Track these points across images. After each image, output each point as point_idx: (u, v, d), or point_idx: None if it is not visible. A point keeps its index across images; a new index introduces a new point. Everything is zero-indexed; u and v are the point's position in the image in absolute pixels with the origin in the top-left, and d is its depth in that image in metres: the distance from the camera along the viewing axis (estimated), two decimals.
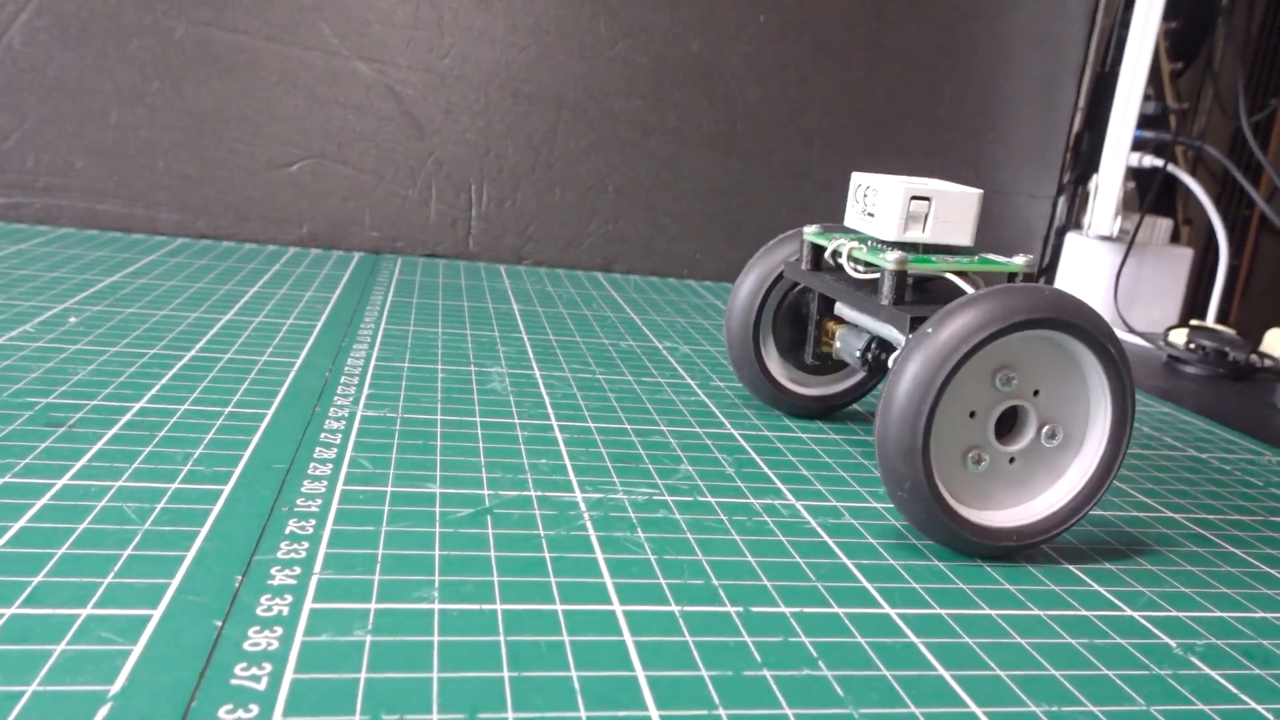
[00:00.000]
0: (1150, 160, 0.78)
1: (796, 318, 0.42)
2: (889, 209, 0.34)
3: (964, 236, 0.34)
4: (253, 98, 0.69)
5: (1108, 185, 0.75)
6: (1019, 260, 0.34)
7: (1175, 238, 0.85)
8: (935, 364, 0.28)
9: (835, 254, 0.36)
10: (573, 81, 0.73)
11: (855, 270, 0.36)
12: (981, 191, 0.35)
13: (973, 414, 0.30)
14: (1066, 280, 0.79)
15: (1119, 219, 0.75)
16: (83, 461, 0.29)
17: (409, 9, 0.70)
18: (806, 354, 0.41)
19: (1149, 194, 0.79)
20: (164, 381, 0.37)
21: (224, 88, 0.69)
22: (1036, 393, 0.30)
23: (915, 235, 0.34)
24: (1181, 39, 0.86)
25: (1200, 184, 0.80)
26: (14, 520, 0.25)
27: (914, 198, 0.33)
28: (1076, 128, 0.85)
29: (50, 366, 0.37)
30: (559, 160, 0.74)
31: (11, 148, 0.67)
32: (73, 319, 0.44)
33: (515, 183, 0.74)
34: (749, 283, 0.42)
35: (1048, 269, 0.85)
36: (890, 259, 0.33)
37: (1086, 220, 0.78)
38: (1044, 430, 0.30)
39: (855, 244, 0.36)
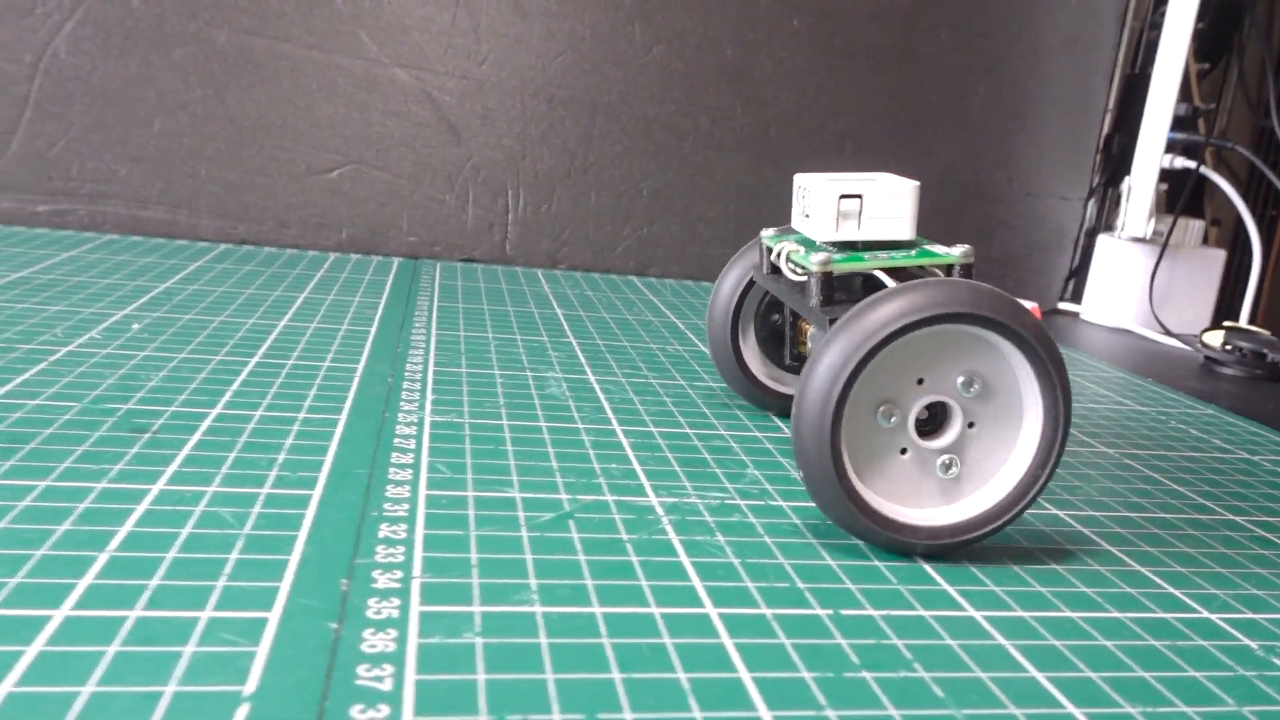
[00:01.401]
0: (1181, 162, 0.78)
1: (775, 318, 0.42)
2: (821, 209, 0.33)
3: (903, 230, 0.34)
4: (293, 105, 0.70)
5: (1141, 187, 0.76)
6: (956, 251, 0.33)
7: (1204, 239, 0.85)
8: (838, 365, 0.27)
9: (778, 257, 0.36)
10: (607, 87, 0.74)
11: (793, 272, 0.36)
12: (918, 183, 0.34)
13: (891, 414, 0.29)
14: (1100, 282, 0.80)
15: (1153, 221, 0.76)
16: (173, 467, 0.29)
17: (446, 16, 0.71)
18: (785, 354, 0.41)
19: (1182, 195, 0.79)
20: (235, 388, 0.37)
21: (265, 95, 0.69)
22: (962, 386, 0.29)
23: (849, 233, 0.33)
24: (1208, 39, 0.86)
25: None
26: (119, 524, 0.25)
27: (843, 196, 0.33)
28: (1106, 130, 0.86)
29: (123, 373, 0.38)
30: (594, 165, 0.75)
31: (57, 155, 0.67)
32: (136, 325, 0.45)
33: (551, 188, 0.74)
34: (728, 283, 0.42)
35: (1078, 271, 0.85)
36: (814, 261, 0.32)
37: (1119, 222, 0.79)
38: (971, 427, 0.30)
39: (794, 246, 0.35)
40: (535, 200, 0.74)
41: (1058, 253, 0.84)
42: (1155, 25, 0.85)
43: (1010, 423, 0.30)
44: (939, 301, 0.28)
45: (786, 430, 0.40)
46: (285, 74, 0.69)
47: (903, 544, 0.29)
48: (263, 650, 0.20)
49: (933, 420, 0.30)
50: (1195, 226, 0.80)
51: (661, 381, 0.46)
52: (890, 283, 0.31)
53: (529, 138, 0.74)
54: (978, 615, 0.26)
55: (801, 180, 0.35)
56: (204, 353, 0.42)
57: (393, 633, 0.22)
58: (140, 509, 0.26)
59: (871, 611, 0.25)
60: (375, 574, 0.24)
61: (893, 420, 0.29)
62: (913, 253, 0.34)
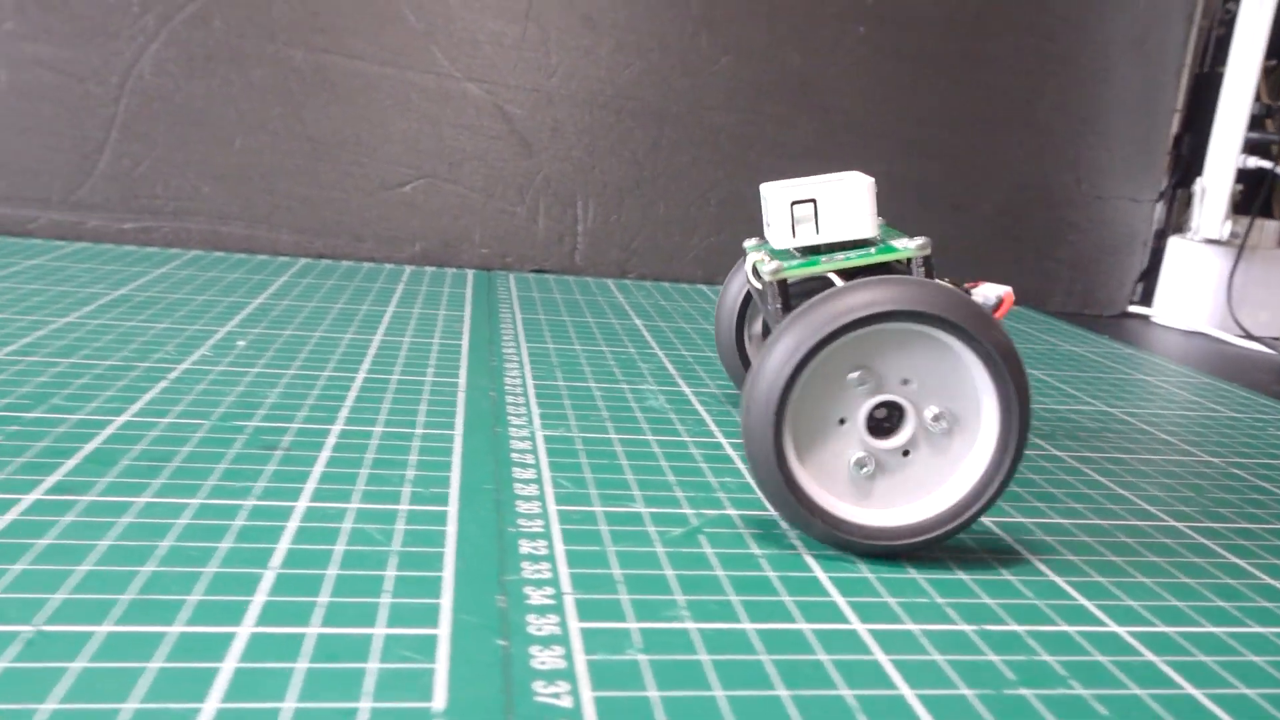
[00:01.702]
0: (1255, 161, 0.77)
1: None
2: (777, 217, 0.33)
3: (862, 229, 0.33)
4: (368, 121, 0.71)
5: (1217, 188, 0.75)
6: (913, 244, 0.32)
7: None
8: (777, 367, 0.28)
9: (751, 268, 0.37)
10: (675, 97, 0.74)
11: (758, 281, 0.36)
12: (872, 179, 0.33)
13: (842, 415, 0.29)
14: (1172, 285, 0.79)
15: (1229, 222, 0.75)
16: (311, 484, 0.30)
17: (517, 30, 0.72)
18: None
19: (1259, 195, 0.78)
20: (349, 404, 0.38)
21: (341, 112, 0.71)
22: (914, 387, 0.29)
23: (807, 238, 0.33)
24: (1273, 35, 0.85)
25: None
26: (275, 542, 0.26)
27: (795, 202, 0.33)
28: (1175, 130, 0.85)
29: (241, 390, 0.39)
30: (662, 175, 0.75)
31: (143, 174, 0.69)
32: (241, 342, 0.46)
33: (619, 198, 0.75)
34: (732, 289, 0.43)
35: (1148, 274, 0.84)
36: (766, 270, 0.32)
37: (1192, 224, 0.78)
38: (926, 426, 0.29)
39: (760, 256, 0.35)
40: (604, 211, 0.75)
41: (1128, 255, 0.84)
42: (1224, 23, 0.84)
43: (965, 425, 0.29)
44: (877, 301, 0.27)
45: None
46: (360, 91, 0.71)
47: (845, 542, 0.29)
48: (441, 667, 0.21)
49: (889, 420, 0.30)
50: (1270, 227, 0.79)
51: None
52: (839, 284, 0.31)
53: (598, 149, 0.74)
54: (1121, 631, 0.26)
55: (764, 190, 0.35)
56: (311, 368, 0.43)
57: (558, 650, 0.22)
58: (291, 526, 0.27)
59: (1015, 627, 0.25)
60: (528, 590, 0.25)
61: (844, 420, 0.29)
62: (872, 250, 0.33)
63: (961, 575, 0.28)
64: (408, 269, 0.71)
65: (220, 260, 0.67)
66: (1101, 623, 0.26)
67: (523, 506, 0.30)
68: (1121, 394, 0.53)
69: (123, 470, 0.30)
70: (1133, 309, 0.84)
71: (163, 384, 0.39)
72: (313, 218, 0.72)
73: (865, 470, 0.29)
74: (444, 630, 0.23)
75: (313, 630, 0.22)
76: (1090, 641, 0.25)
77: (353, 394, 0.40)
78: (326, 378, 0.42)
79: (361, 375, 0.42)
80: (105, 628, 0.21)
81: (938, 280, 0.30)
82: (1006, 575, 0.29)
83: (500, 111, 0.73)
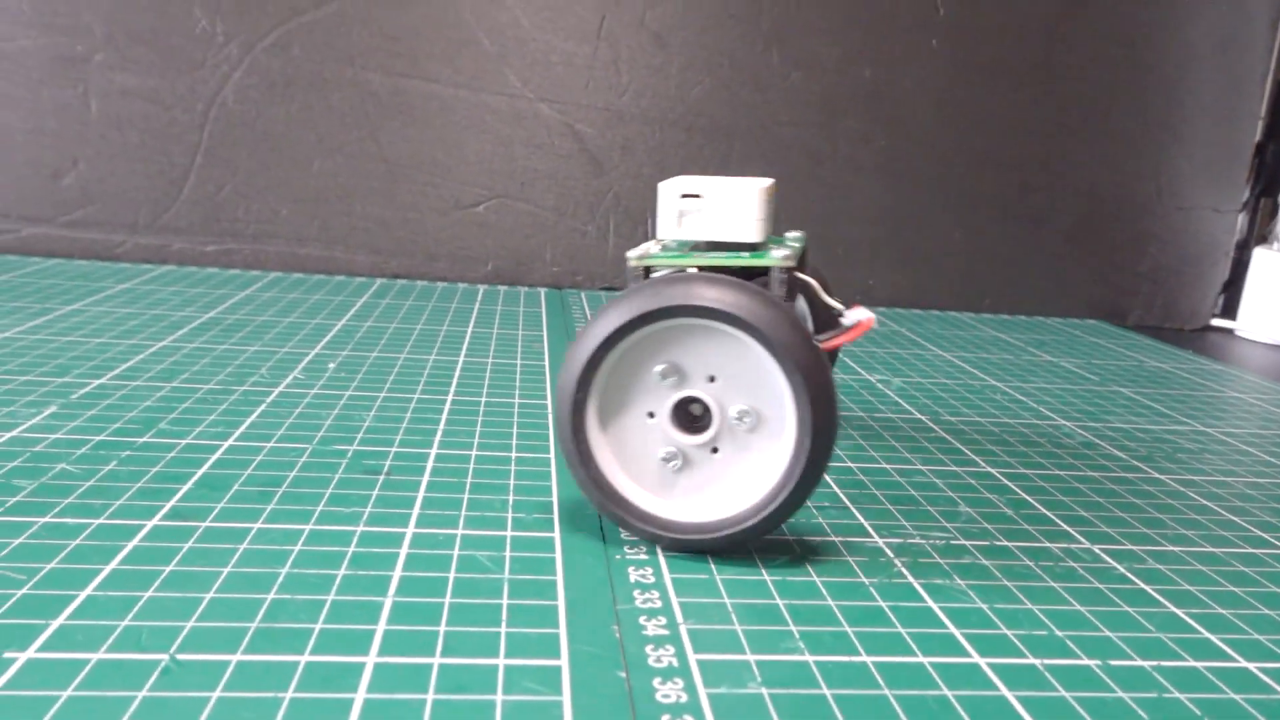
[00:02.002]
0: None
1: None
2: (664, 208, 0.33)
3: (748, 232, 0.32)
4: (442, 142, 0.72)
5: None
6: (777, 256, 0.32)
7: None
8: (579, 354, 0.29)
9: None
10: (745, 113, 0.74)
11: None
12: (769, 183, 0.33)
13: (650, 414, 0.29)
14: (1257, 297, 0.76)
15: None
16: (416, 510, 0.30)
17: (588, 50, 0.72)
18: None
19: None
20: (443, 426, 0.39)
21: (416, 134, 0.72)
22: (713, 380, 0.29)
23: (691, 232, 0.33)
24: None
25: None
26: (390, 569, 0.26)
27: (683, 195, 0.32)
28: (1258, 137, 0.82)
29: (337, 413, 0.39)
30: None
31: (225, 198, 0.71)
32: (331, 365, 0.47)
33: None
34: None
35: (1230, 285, 0.82)
36: (632, 254, 0.32)
37: (1278, 233, 0.75)
38: (730, 424, 0.29)
39: (651, 247, 0.34)
40: None
41: (1210, 267, 0.81)
42: None
43: (769, 424, 0.29)
44: (679, 295, 0.28)
45: (984, 464, 0.40)
46: (435, 113, 0.72)
47: (654, 536, 0.29)
48: (566, 700, 0.21)
49: (700, 417, 0.30)
50: None
51: (842, 414, 0.45)
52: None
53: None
54: (1251, 667, 0.25)
55: (660, 186, 0.34)
56: (402, 390, 0.43)
57: (679, 682, 0.22)
58: (402, 553, 0.27)
59: (1141, 662, 0.25)
60: (642, 620, 0.25)
61: (653, 415, 0.29)
62: (741, 254, 0.32)
63: (1079, 606, 0.28)
64: (481, 288, 0.71)
65: (299, 282, 0.68)
66: (1230, 657, 0.25)
67: (626, 532, 0.30)
68: (1216, 412, 0.52)
69: (234, 496, 0.30)
70: (1216, 322, 0.82)
71: (262, 407, 0.39)
72: (388, 238, 0.73)
73: (673, 465, 0.29)
74: (564, 661, 0.23)
75: (437, 660, 0.22)
76: (1221, 678, 0.24)
77: (445, 416, 0.40)
78: (418, 400, 0.42)
79: (451, 397, 0.43)
80: (238, 656, 0.22)
81: (805, 283, 0.33)
82: (1124, 607, 0.28)
83: (571, 131, 0.73)
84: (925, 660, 0.24)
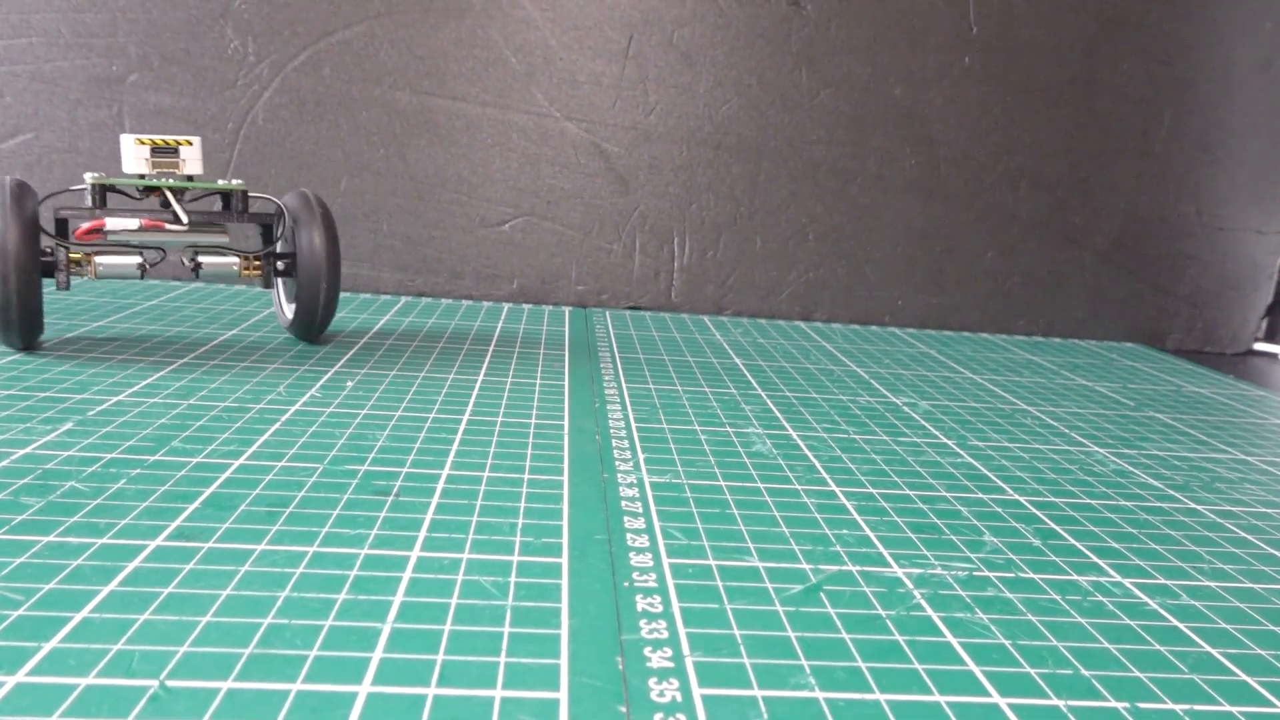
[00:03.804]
0: None
1: None
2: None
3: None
4: (468, 161, 0.72)
5: None
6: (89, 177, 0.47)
7: None
8: None
9: None
10: (773, 132, 0.74)
11: None
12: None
13: None
14: None
15: None
16: (423, 533, 0.30)
17: (616, 69, 0.72)
18: None
19: None
20: (456, 447, 0.38)
21: (443, 152, 0.72)
22: None
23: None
24: None
25: None
26: (391, 593, 0.26)
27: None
28: None
29: (351, 432, 0.39)
30: (759, 210, 0.74)
31: None
32: (349, 383, 0.46)
33: (716, 234, 0.74)
34: None
35: (1275, 307, 0.80)
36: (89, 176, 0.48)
37: None
38: None
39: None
40: (701, 247, 0.75)
41: (1252, 290, 0.79)
42: None
43: None
44: None
45: (1011, 491, 0.38)
46: (462, 131, 0.72)
47: None
48: None
49: None
50: None
51: (865, 437, 0.44)
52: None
53: (695, 185, 0.74)
54: None
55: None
56: (418, 410, 0.43)
57: (681, 718, 0.21)
58: (405, 577, 0.27)
59: (1173, 705, 0.23)
60: (646, 651, 0.24)
61: None
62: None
63: (1107, 644, 0.26)
64: (506, 306, 0.71)
65: None
66: (1269, 703, 0.24)
67: (635, 559, 0.29)
68: (1258, 440, 0.50)
69: (241, 516, 0.30)
70: (1259, 346, 0.79)
71: (276, 425, 0.39)
72: (414, 256, 0.73)
73: None
74: (564, 694, 0.22)
75: (432, 691, 0.21)
76: None
77: (459, 437, 0.40)
78: (433, 419, 0.42)
79: (467, 416, 0.42)
80: (228, 684, 0.21)
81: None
82: (1155, 645, 0.26)
83: (598, 149, 0.73)
84: (942, 699, 0.23)
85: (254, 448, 0.36)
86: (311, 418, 0.41)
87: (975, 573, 0.30)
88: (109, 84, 0.69)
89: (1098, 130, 0.75)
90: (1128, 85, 0.75)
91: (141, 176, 0.48)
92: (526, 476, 0.36)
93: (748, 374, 0.55)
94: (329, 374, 0.48)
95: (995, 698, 0.23)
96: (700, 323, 0.71)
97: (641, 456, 0.39)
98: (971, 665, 0.25)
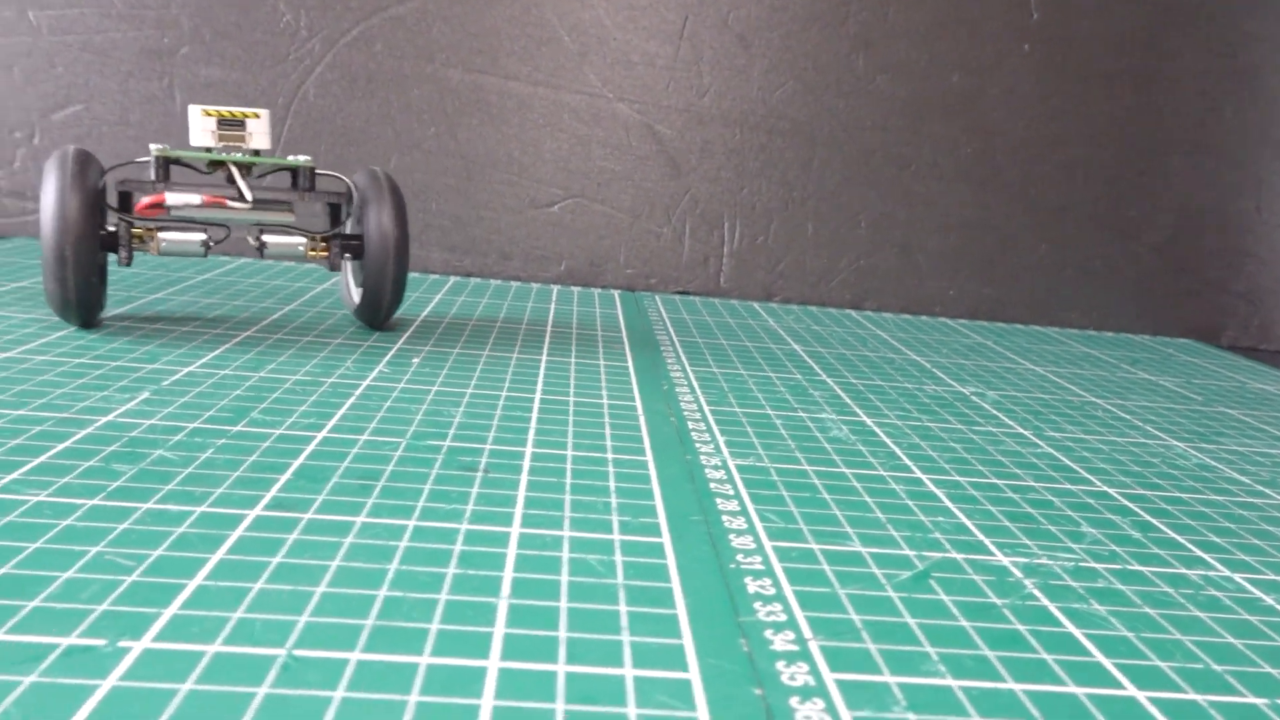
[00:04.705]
0: None
1: None
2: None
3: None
4: (519, 141, 0.72)
5: None
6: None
7: None
8: None
9: None
10: (828, 117, 0.73)
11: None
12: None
13: None
14: None
15: None
16: (519, 509, 0.29)
17: (670, 50, 0.71)
18: None
19: None
20: (534, 425, 0.38)
21: (494, 132, 0.71)
22: None
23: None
24: None
25: None
26: (499, 569, 0.25)
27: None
28: None
29: (426, 408, 0.39)
30: (812, 196, 0.74)
31: None
32: (415, 360, 0.46)
33: (768, 219, 0.74)
34: None
35: None
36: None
37: None
38: None
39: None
40: (751, 232, 0.74)
41: None
42: None
43: None
44: None
45: (1099, 483, 0.38)
46: (513, 110, 0.71)
47: None
48: (702, 715, 0.20)
49: None
50: None
51: (940, 425, 0.44)
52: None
53: (747, 170, 0.73)
54: None
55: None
56: (488, 388, 0.42)
57: (819, 703, 0.21)
58: (510, 553, 0.26)
59: None
60: (767, 634, 0.23)
61: None
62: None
63: (1232, 639, 0.26)
64: (555, 288, 0.71)
65: None
66: None
67: (736, 541, 0.29)
68: None
69: (334, 488, 0.30)
70: None
71: (351, 399, 0.39)
72: (462, 236, 0.72)
73: None
74: (694, 675, 0.21)
75: (561, 668, 0.21)
76: None
77: (535, 415, 0.39)
78: (505, 397, 0.41)
79: (538, 395, 0.42)
80: (356, 655, 0.21)
81: None
82: None
83: (650, 131, 0.72)
84: (1077, 690, 0.22)
85: (333, 421, 0.36)
86: (384, 393, 0.40)
87: (1081, 563, 0.30)
88: (160, 56, 0.69)
89: (1155, 122, 0.74)
90: (1188, 77, 0.74)
91: (208, 150, 0.46)
92: (610, 456, 0.35)
93: (809, 360, 0.55)
94: (392, 351, 0.47)
95: (1131, 690, 0.23)
96: (750, 309, 0.70)
97: (721, 439, 0.38)
98: (1100, 657, 0.24)
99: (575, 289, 0.71)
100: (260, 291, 0.58)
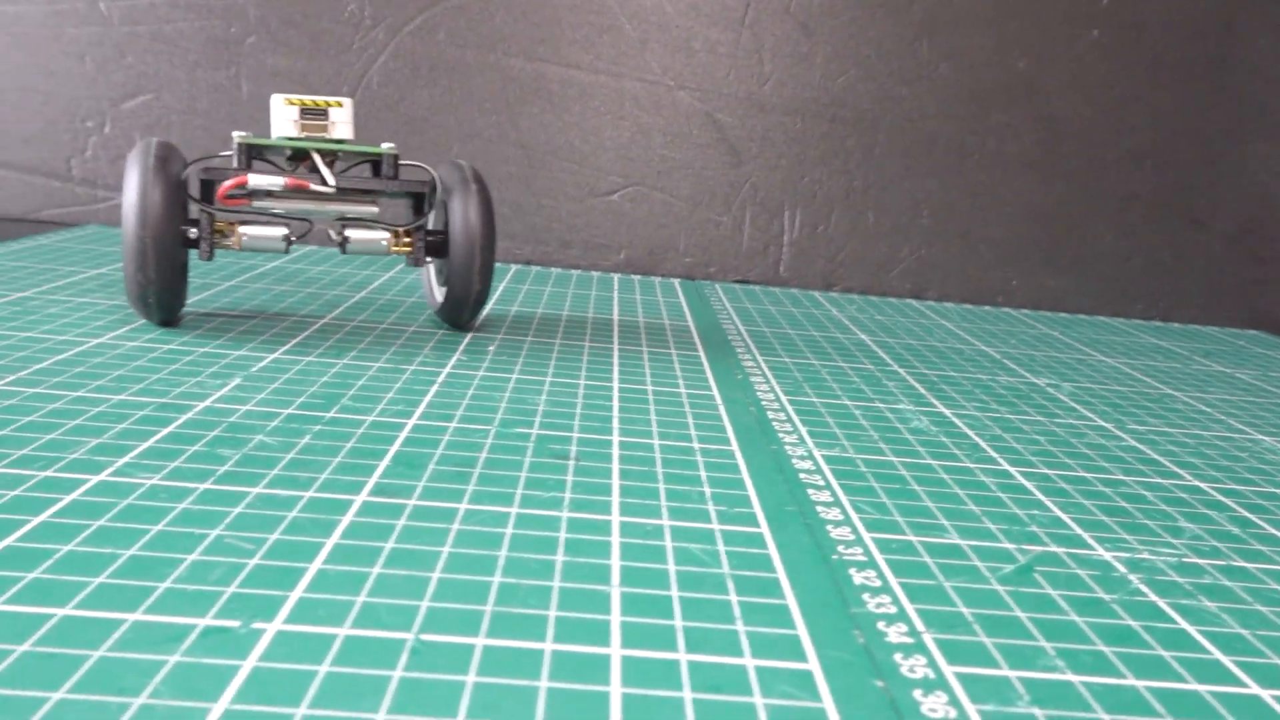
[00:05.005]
0: None
1: None
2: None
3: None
4: (580, 129, 0.72)
5: None
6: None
7: None
8: None
9: None
10: (890, 105, 0.72)
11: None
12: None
13: None
14: None
15: None
16: (615, 498, 0.30)
17: (732, 37, 0.71)
18: None
19: None
20: (615, 413, 0.38)
21: (555, 120, 0.71)
22: None
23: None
24: None
25: None
26: (606, 557, 0.25)
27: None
28: None
29: (509, 395, 0.39)
30: (873, 185, 0.73)
31: None
32: (491, 347, 0.46)
33: (829, 208, 0.73)
34: None
35: None
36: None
37: None
38: None
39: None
40: (812, 221, 0.73)
41: None
42: None
43: None
44: None
45: (1189, 478, 0.37)
46: (574, 99, 0.71)
47: None
48: (830, 707, 0.20)
49: None
50: None
51: (1020, 417, 0.43)
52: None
53: (808, 158, 0.72)
54: None
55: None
56: (566, 376, 0.43)
57: (942, 696, 0.21)
58: (614, 541, 0.26)
59: None
60: (880, 626, 0.23)
61: None
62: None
63: None
64: (615, 277, 0.71)
65: None
66: None
67: (834, 532, 0.29)
68: None
69: (433, 475, 0.30)
70: None
71: (435, 387, 0.39)
72: (522, 224, 0.73)
73: None
74: (814, 666, 0.21)
75: (683, 656, 0.21)
76: None
77: (615, 403, 0.39)
78: (584, 386, 0.41)
79: (615, 384, 0.42)
80: (481, 640, 0.21)
81: None
82: None
83: (711, 119, 0.72)
84: (1200, 688, 0.22)
85: (421, 408, 0.36)
86: (465, 380, 0.40)
87: (1185, 559, 0.29)
88: (227, 45, 0.70)
89: (1229, 109, 0.73)
90: (1265, 63, 0.72)
91: (290, 139, 0.46)
92: (696, 446, 0.35)
93: (877, 350, 0.54)
94: (467, 339, 0.48)
95: (1255, 689, 0.22)
96: (811, 298, 0.70)
97: (804, 430, 0.38)
98: (1218, 654, 0.24)
99: (635, 277, 0.71)
100: (329, 280, 0.59)
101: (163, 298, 0.42)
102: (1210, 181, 0.73)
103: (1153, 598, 0.26)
